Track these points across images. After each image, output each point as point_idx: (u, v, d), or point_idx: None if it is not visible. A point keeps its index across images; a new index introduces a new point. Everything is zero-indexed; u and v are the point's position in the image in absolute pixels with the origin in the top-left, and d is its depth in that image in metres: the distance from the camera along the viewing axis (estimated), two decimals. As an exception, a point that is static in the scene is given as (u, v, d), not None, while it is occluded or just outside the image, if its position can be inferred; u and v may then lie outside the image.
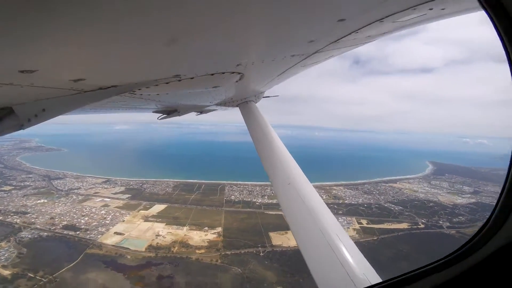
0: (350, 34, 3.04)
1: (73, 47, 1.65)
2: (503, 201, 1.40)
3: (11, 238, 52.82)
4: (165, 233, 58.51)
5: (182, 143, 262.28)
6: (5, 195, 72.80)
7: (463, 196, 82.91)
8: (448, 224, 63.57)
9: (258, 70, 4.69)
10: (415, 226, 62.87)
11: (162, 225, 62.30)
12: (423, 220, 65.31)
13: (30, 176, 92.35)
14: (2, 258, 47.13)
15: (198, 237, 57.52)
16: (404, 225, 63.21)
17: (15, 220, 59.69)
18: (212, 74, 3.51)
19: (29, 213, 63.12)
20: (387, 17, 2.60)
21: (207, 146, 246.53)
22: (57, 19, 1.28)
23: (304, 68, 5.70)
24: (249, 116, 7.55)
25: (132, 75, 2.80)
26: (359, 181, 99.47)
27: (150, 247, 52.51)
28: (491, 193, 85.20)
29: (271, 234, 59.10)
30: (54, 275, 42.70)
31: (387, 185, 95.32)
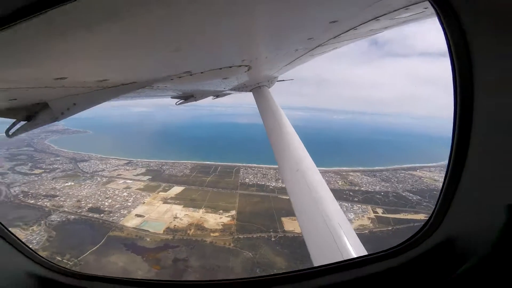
0: (349, 30, 3.14)
1: (97, 57, 1.94)
2: (442, 200, 1.57)
3: (42, 222, 56.26)
4: (183, 215, 61.14)
5: (198, 124, 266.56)
6: (36, 178, 77.51)
7: (486, 186, 78.42)
8: (466, 216, 61.02)
9: (264, 62, 4.89)
10: (433, 217, 60.83)
11: (180, 207, 65.05)
12: (441, 211, 62.93)
13: (58, 159, 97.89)
14: (34, 241, 50.17)
15: (213, 220, 59.67)
16: (421, 216, 61.36)
17: (45, 203, 63.48)
18: (220, 68, 3.75)
19: (58, 196, 67.23)
20: (381, 16, 2.63)
21: (223, 127, 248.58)
22: (82, 38, 1.56)
23: (312, 57, 5.77)
24: (262, 101, 7.76)
25: (149, 74, 3.17)
26: (377, 168, 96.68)
27: (168, 230, 55.23)
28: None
29: (284, 219, 59.91)
30: (79, 258, 45.92)
31: (406, 172, 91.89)
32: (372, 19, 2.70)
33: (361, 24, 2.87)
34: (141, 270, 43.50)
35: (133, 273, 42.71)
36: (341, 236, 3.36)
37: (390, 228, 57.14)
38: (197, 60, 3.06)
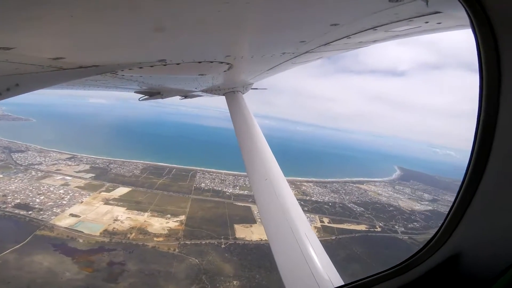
0: (342, 38, 3.03)
1: (52, 25, 1.56)
2: (453, 212, 1.52)
3: None
4: (124, 218, 57.28)
5: (160, 123, 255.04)
6: None
7: (421, 203, 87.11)
8: (402, 229, 66.93)
9: (248, 63, 4.64)
10: (372, 229, 65.72)
11: (123, 209, 60.83)
12: (380, 224, 68.22)
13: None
14: None
15: (159, 224, 56.83)
16: (362, 227, 65.93)
17: None
18: (200, 62, 3.44)
19: None
20: (380, 26, 2.52)
21: (186, 128, 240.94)
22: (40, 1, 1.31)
23: (294, 65, 5.60)
24: (235, 106, 7.42)
25: (115, 57, 2.69)
26: (329, 179, 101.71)
27: (106, 232, 51.25)
28: (448, 202, 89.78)
29: (236, 226, 59.62)
30: None
31: (354, 185, 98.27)
32: (370, 28, 2.63)
33: (356, 33, 2.80)
34: (69, 271, 39.93)
35: (59, 274, 39.10)
36: (307, 246, 3.36)
37: (333, 238, 59.98)
38: (176, 48, 2.72)
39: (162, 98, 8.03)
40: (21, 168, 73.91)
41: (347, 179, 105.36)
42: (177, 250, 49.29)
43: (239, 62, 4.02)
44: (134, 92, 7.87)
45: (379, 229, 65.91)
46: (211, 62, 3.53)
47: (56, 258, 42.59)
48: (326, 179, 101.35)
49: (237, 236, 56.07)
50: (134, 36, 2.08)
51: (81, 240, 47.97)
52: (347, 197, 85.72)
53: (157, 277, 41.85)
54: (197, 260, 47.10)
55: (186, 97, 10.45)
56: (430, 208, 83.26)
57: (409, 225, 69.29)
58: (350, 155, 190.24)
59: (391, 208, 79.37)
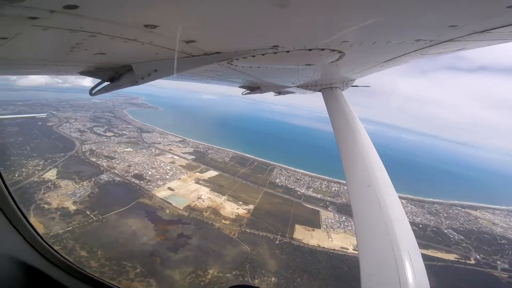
0: (510, 25, 2.44)
1: (197, 4, 1.53)
2: None
3: (93, 179, 62.63)
4: (206, 197, 65.59)
5: (254, 118, 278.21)
6: (106, 140, 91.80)
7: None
8: (506, 266, 51.10)
9: (364, 52, 3.95)
10: (463, 260, 52.83)
11: (207, 190, 69.79)
12: (477, 256, 53.95)
13: (128, 126, 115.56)
14: (78, 195, 55.44)
15: (230, 208, 62.44)
16: (451, 256, 53.54)
17: (103, 163, 71.73)
18: (310, 50, 3.20)
19: (115, 158, 76.49)
20: None
21: (276, 125, 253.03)
22: None
23: (422, 57, 4.42)
24: (333, 103, 6.65)
25: (235, 43, 2.63)
26: (429, 199, 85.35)
27: (188, 207, 59.55)
28: None
29: (297, 226, 59.57)
30: (103, 216, 50.16)
31: (463, 210, 79.28)
32: None
33: None
34: (147, 236, 47.45)
35: (139, 237, 46.74)
36: (406, 268, 2.89)
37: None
38: (291, 31, 2.47)
39: (261, 93, 8.18)
40: (146, 145, 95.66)
41: (455, 201, 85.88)
42: (236, 235, 53.14)
43: (354, 51, 3.34)
44: (239, 86, 8.16)
45: (472, 262, 52.51)
46: (322, 49, 3.08)
47: (143, 223, 50.39)
48: (425, 198, 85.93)
49: (294, 236, 55.61)
50: (261, 18, 1.98)
51: (167, 211, 56.63)
52: (447, 221, 70.66)
53: (209, 255, 46.12)
54: (248, 249, 49.36)
55: (279, 93, 10.31)
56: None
57: (518, 263, 51.30)
58: (468, 174, 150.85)
59: (503, 241, 61.44)
